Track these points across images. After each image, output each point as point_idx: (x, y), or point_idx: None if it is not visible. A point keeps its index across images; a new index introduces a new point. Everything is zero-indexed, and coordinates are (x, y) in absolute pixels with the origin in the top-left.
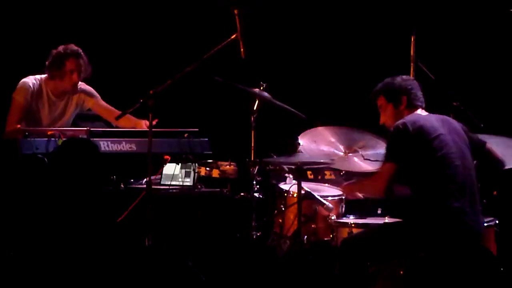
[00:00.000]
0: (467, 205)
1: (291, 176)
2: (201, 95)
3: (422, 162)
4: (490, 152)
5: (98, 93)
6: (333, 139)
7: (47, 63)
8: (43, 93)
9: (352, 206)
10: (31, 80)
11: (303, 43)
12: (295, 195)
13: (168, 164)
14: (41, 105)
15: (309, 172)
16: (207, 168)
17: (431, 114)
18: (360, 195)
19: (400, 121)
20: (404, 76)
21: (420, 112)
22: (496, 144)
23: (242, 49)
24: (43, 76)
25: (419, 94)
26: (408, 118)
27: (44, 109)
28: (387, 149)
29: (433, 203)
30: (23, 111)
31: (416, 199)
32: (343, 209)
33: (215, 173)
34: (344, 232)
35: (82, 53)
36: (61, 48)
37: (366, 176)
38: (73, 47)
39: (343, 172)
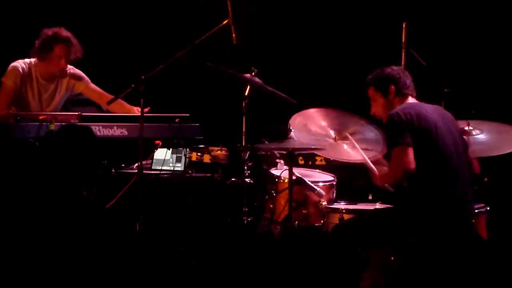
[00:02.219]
0: (459, 192)
1: (282, 162)
2: (193, 80)
3: (416, 149)
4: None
5: (90, 78)
6: (324, 123)
7: (36, 44)
8: (32, 77)
9: (343, 192)
10: (20, 64)
11: (295, 29)
12: (286, 180)
13: (159, 149)
14: (30, 88)
15: (300, 158)
16: (198, 153)
17: (423, 103)
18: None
19: (394, 110)
20: (393, 66)
21: (411, 100)
22: (487, 130)
23: (234, 35)
24: (33, 59)
25: (408, 82)
26: (401, 107)
27: (33, 93)
28: (389, 136)
29: (426, 189)
30: (13, 95)
31: (409, 185)
32: (334, 194)
33: (206, 158)
34: (335, 218)
35: (71, 38)
36: (51, 31)
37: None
38: (63, 32)
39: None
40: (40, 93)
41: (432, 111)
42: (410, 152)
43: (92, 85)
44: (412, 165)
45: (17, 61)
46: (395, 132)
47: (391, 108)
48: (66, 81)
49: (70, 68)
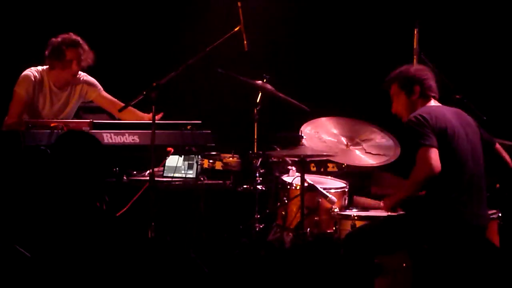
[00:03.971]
0: (473, 199)
1: (294, 169)
2: (204, 87)
3: None
4: (498, 152)
5: (102, 85)
6: (335, 131)
7: (46, 53)
8: (45, 85)
9: None
10: (32, 73)
11: (306, 35)
12: (298, 187)
13: (171, 156)
14: (43, 97)
15: (312, 165)
16: (210, 160)
17: (444, 106)
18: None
19: (413, 114)
20: (419, 66)
21: (433, 103)
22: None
23: (245, 42)
24: (45, 67)
25: (433, 84)
26: (421, 110)
27: (46, 101)
28: (412, 140)
29: (439, 195)
30: (25, 104)
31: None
32: (346, 201)
33: (218, 165)
34: (347, 225)
35: (81, 42)
36: (60, 37)
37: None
38: (72, 36)
39: (345, 164)
40: (52, 101)
41: (452, 116)
42: (434, 152)
43: (104, 93)
44: (437, 165)
45: (29, 69)
46: (417, 134)
47: (412, 108)
48: (79, 88)
49: (83, 75)
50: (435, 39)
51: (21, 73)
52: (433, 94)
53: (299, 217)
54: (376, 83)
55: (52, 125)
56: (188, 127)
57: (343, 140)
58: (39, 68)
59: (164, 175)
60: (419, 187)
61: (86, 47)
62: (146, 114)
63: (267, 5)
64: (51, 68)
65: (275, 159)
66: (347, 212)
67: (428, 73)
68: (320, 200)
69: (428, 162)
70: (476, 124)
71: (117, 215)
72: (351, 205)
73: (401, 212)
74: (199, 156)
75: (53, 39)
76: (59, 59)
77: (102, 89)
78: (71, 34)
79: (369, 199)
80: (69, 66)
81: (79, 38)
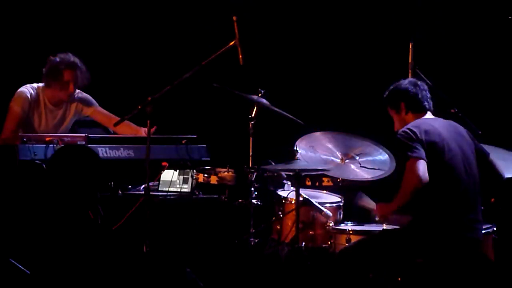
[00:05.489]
0: (468, 212)
1: (289, 183)
2: (200, 102)
3: None
4: (491, 164)
5: (97, 100)
6: (330, 145)
7: (44, 70)
8: (40, 102)
9: (350, 213)
10: (28, 90)
11: (302, 49)
12: (293, 201)
13: (166, 171)
14: (38, 114)
15: (307, 179)
16: (205, 175)
17: (438, 118)
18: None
19: (403, 128)
20: (404, 80)
21: (427, 115)
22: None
23: (240, 56)
24: (41, 84)
25: (421, 96)
26: (411, 124)
27: (42, 118)
28: (399, 153)
29: (434, 209)
30: (20, 120)
31: (416, 205)
32: (341, 215)
33: (213, 179)
34: (342, 239)
35: (79, 63)
36: (58, 57)
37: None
38: (70, 57)
39: (340, 179)
40: (48, 118)
41: (443, 128)
42: (422, 164)
43: (100, 109)
44: (425, 176)
45: (25, 86)
46: (404, 147)
47: (405, 125)
48: (74, 106)
49: (78, 92)
50: (430, 53)
51: (17, 89)
52: (422, 107)
53: (294, 231)
54: (371, 97)
55: (47, 139)
56: (183, 141)
57: (338, 154)
58: (35, 85)
59: (159, 189)
60: (408, 198)
61: (83, 68)
62: (141, 128)
63: (263, 19)
64: (47, 86)
65: (270, 174)
66: (342, 227)
67: (414, 85)
68: (315, 214)
69: (416, 174)
70: (470, 136)
71: (112, 229)
72: (354, 198)
73: (396, 226)
74: (194, 170)
75: (52, 58)
76: (56, 79)
77: (97, 104)
78: (70, 54)
79: (371, 201)
80: (65, 87)
81: (77, 60)
